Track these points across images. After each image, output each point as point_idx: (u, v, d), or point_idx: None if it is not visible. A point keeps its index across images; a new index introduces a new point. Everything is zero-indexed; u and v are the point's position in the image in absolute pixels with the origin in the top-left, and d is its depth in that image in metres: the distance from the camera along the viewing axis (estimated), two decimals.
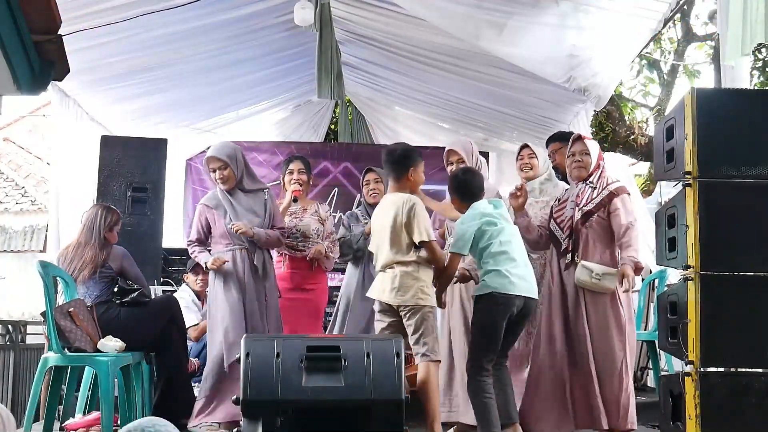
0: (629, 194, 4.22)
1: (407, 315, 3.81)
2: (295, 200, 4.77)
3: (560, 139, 4.84)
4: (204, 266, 4.48)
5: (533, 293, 3.83)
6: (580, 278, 4.05)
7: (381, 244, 3.93)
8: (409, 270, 3.82)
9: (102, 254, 4.40)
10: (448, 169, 4.48)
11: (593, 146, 4.28)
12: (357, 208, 5.06)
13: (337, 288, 6.08)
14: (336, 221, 5.08)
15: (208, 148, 4.68)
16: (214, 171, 4.46)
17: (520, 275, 3.78)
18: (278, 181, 5.25)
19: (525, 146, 5.03)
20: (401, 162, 3.96)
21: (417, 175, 3.98)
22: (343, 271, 5.29)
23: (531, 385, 4.14)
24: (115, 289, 4.42)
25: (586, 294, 4.07)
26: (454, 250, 3.88)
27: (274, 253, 4.84)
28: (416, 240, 3.81)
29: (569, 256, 4.14)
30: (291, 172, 4.86)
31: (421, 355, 3.78)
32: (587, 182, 4.20)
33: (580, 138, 4.31)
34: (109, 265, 4.41)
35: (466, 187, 3.95)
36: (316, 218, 4.87)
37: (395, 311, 3.86)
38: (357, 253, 4.82)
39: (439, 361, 3.90)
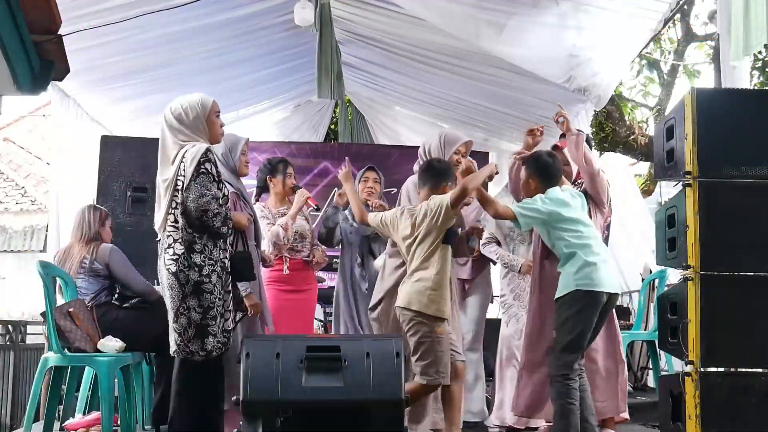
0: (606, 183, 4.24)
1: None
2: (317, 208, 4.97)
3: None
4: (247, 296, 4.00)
5: (617, 288, 3.72)
6: None
7: None
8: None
9: (87, 249, 4.38)
10: (455, 158, 4.22)
11: None
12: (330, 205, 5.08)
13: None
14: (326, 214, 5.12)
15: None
16: (245, 155, 4.35)
17: (606, 270, 3.64)
18: None
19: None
20: (440, 175, 3.78)
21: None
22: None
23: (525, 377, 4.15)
24: (115, 295, 4.42)
25: None
26: (515, 208, 3.69)
27: (270, 256, 4.82)
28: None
29: None
30: (290, 176, 4.86)
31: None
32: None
33: (557, 148, 4.34)
34: (98, 263, 4.38)
35: (550, 170, 3.80)
36: (304, 218, 4.90)
37: None
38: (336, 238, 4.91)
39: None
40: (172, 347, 3.42)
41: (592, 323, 3.61)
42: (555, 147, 4.33)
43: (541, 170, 3.79)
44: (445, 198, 3.62)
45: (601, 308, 3.60)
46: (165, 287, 3.43)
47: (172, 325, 3.41)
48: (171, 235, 3.41)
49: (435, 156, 4.11)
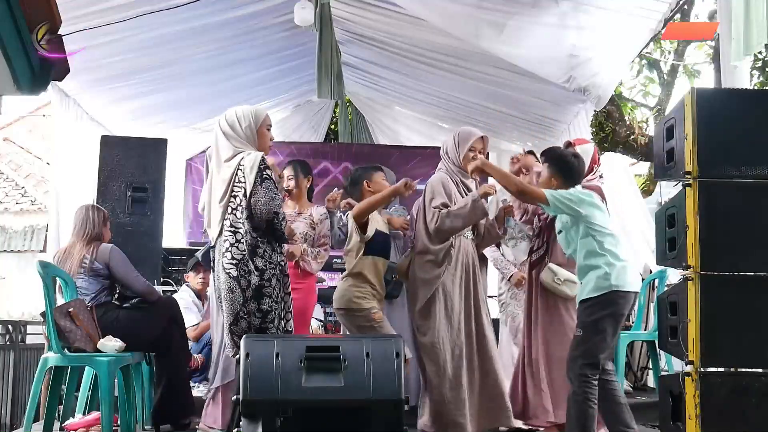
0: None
1: None
2: None
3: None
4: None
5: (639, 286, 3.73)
6: (544, 279, 4.10)
7: None
8: None
9: (87, 249, 4.38)
10: (471, 155, 4.10)
11: (583, 152, 4.23)
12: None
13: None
14: (338, 220, 5.02)
15: (208, 147, 4.61)
16: None
17: (633, 270, 3.64)
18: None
19: (530, 152, 4.98)
20: (353, 186, 4.25)
21: (374, 185, 4.28)
22: (342, 271, 5.22)
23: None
24: (116, 295, 4.42)
25: (548, 295, 4.11)
26: (547, 191, 3.58)
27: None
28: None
29: (538, 254, 4.20)
30: (281, 178, 4.82)
31: None
32: None
33: (570, 145, 4.32)
34: (99, 263, 4.38)
35: (573, 171, 3.75)
36: (308, 222, 4.78)
37: None
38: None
39: None
40: (231, 350, 3.47)
41: (622, 324, 3.63)
42: (568, 144, 4.31)
43: (565, 170, 3.75)
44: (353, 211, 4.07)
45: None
46: (222, 291, 3.47)
47: (230, 328, 3.45)
48: (228, 240, 3.46)
49: (452, 156, 4.13)
